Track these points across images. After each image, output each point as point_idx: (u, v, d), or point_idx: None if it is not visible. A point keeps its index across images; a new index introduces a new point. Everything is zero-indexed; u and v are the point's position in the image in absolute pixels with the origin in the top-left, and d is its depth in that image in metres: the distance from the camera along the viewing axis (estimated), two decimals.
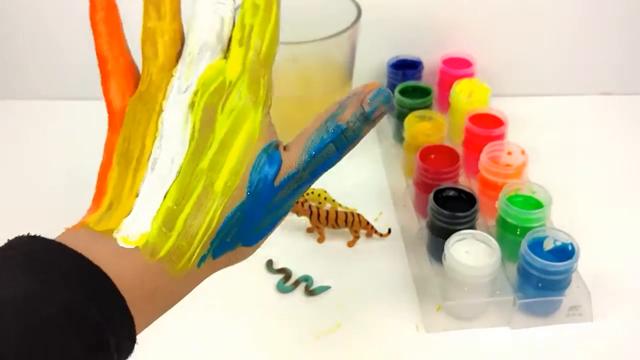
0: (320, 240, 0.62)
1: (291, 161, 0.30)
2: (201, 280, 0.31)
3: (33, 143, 0.78)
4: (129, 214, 0.28)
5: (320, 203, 0.63)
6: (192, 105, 0.29)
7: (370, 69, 0.79)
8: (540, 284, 0.50)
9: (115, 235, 0.28)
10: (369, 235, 0.61)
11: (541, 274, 0.49)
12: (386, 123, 0.74)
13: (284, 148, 0.31)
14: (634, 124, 0.77)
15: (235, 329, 0.53)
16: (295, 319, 0.54)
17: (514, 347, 0.51)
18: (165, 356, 0.51)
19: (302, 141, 0.31)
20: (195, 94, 0.29)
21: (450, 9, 0.77)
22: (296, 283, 0.57)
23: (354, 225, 0.60)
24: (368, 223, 0.60)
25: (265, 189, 0.29)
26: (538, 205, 0.54)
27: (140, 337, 0.28)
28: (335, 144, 0.30)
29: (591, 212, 0.63)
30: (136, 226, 0.28)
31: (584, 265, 0.51)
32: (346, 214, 0.59)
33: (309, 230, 0.63)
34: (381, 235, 0.61)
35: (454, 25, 0.78)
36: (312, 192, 0.62)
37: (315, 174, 0.31)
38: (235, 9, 0.31)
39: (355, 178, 0.69)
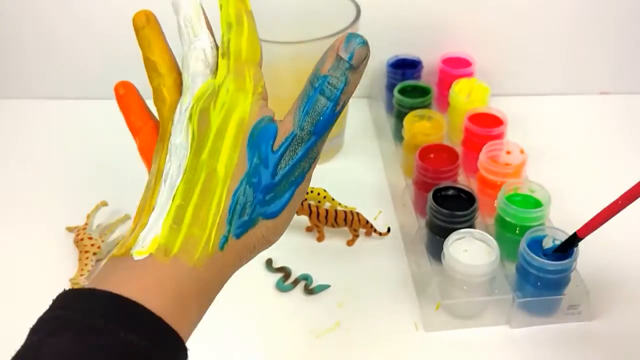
0: (320, 239, 0.62)
1: (287, 125, 0.31)
2: (234, 266, 0.31)
3: (33, 143, 0.78)
4: (145, 227, 0.29)
5: (319, 202, 0.63)
6: (190, 117, 0.32)
7: (370, 68, 0.78)
8: (539, 283, 0.50)
9: (131, 252, 0.28)
10: (368, 234, 0.62)
11: (540, 272, 0.49)
12: (385, 122, 0.74)
13: (280, 121, 0.32)
14: (633, 123, 0.77)
15: (235, 328, 0.53)
16: (294, 318, 0.54)
17: (513, 346, 0.51)
18: None
19: (295, 105, 0.32)
20: (192, 107, 0.32)
21: (449, 8, 0.77)
22: (295, 282, 0.57)
23: (353, 224, 0.60)
24: (367, 222, 0.60)
25: (266, 156, 0.31)
26: (537, 204, 0.55)
27: None
28: (323, 94, 0.31)
29: (590, 211, 0.63)
30: (150, 234, 0.29)
31: (583, 264, 0.51)
32: (345, 212, 0.60)
33: (309, 229, 0.63)
34: (380, 234, 0.61)
35: (453, 25, 0.78)
36: (312, 191, 0.63)
37: (317, 132, 0.31)
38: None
39: (355, 177, 0.69)
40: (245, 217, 0.30)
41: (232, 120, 0.31)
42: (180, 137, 0.32)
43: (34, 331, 0.26)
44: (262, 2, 0.67)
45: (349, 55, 0.31)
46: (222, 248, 0.29)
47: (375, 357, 0.51)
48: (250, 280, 0.57)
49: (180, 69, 0.35)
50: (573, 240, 0.47)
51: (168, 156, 0.32)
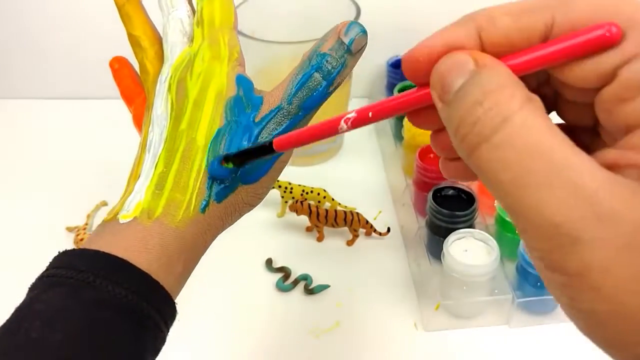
0: (320, 239, 0.62)
1: (274, 98, 0.31)
2: (217, 228, 0.32)
3: (33, 143, 0.78)
4: (130, 194, 0.31)
5: (319, 202, 0.63)
6: (169, 87, 0.33)
7: (370, 68, 0.79)
8: (538, 283, 0.50)
9: (118, 216, 0.30)
10: (368, 234, 0.62)
11: None
12: (385, 122, 0.74)
13: (268, 92, 0.33)
14: None
15: (235, 327, 0.53)
16: (294, 318, 0.54)
17: (513, 345, 0.51)
18: (164, 355, 0.51)
19: (287, 79, 0.32)
20: (171, 78, 0.33)
21: (449, 8, 0.77)
22: (295, 282, 0.57)
23: (353, 224, 0.60)
24: (367, 222, 0.60)
25: (244, 126, 0.31)
26: None
27: None
28: (320, 72, 0.31)
29: None
30: (134, 200, 0.30)
31: None
32: (345, 212, 0.60)
33: (309, 229, 0.63)
34: (380, 234, 0.61)
35: None
36: (312, 191, 0.63)
37: (305, 107, 0.31)
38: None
39: (355, 177, 0.70)
40: (226, 183, 0.31)
41: (210, 91, 0.32)
42: (160, 108, 0.33)
43: (32, 288, 0.28)
44: (262, 2, 0.67)
45: (350, 40, 0.31)
46: (203, 211, 0.30)
47: (375, 357, 0.51)
48: (250, 280, 0.57)
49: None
50: (266, 149, 0.30)
51: (151, 126, 0.33)
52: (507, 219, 0.54)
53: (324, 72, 0.31)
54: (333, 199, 0.64)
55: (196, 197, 0.30)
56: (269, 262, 0.59)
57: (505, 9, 0.20)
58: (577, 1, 0.19)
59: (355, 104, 0.78)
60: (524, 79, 0.20)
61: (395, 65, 0.76)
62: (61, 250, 0.30)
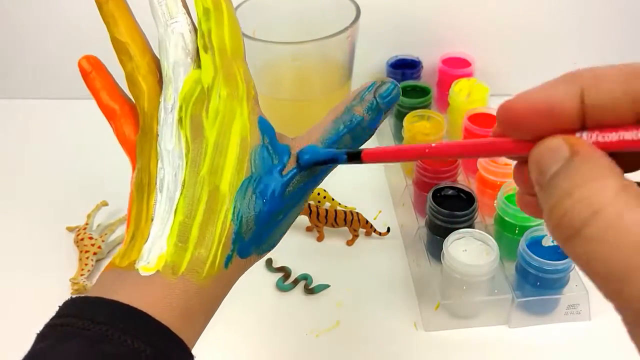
0: (320, 239, 0.62)
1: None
2: (237, 278, 0.31)
3: (33, 143, 0.78)
4: (147, 241, 0.29)
5: (319, 202, 0.63)
6: (180, 121, 0.31)
7: (370, 68, 0.79)
8: (538, 283, 0.50)
9: (136, 266, 0.28)
10: (368, 234, 0.62)
11: (539, 272, 0.49)
12: (385, 122, 0.74)
13: (292, 140, 0.32)
14: None
15: (234, 327, 0.53)
16: (294, 318, 0.54)
17: (512, 345, 0.51)
18: None
19: (318, 133, 0.31)
20: (180, 109, 0.31)
21: (449, 8, 0.77)
22: (295, 281, 0.57)
23: (353, 224, 0.60)
24: (367, 222, 0.60)
25: (273, 182, 0.30)
26: None
27: None
28: (351, 134, 0.31)
29: None
30: (154, 250, 0.29)
31: None
32: (345, 212, 0.60)
33: (308, 229, 0.63)
34: (380, 234, 0.61)
35: (453, 25, 0.78)
36: (312, 191, 0.63)
37: (331, 167, 0.31)
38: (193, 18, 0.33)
39: (355, 177, 0.70)
40: (246, 239, 0.30)
41: (233, 136, 0.30)
42: (171, 143, 0.30)
43: (42, 337, 0.26)
44: (262, 2, 0.67)
45: (385, 102, 0.31)
46: (226, 267, 0.29)
47: (374, 357, 0.51)
48: (250, 280, 0.57)
49: (154, 50, 0.33)
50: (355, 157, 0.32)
51: (160, 162, 0.30)
52: (507, 219, 0.54)
53: (354, 134, 0.31)
54: (333, 199, 0.64)
55: (221, 252, 0.29)
56: (269, 262, 0.59)
57: (614, 71, 0.19)
58: None
59: None
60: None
61: (395, 65, 0.76)
62: (73, 297, 0.28)
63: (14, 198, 0.69)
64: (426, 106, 0.69)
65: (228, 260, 0.29)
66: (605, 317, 0.52)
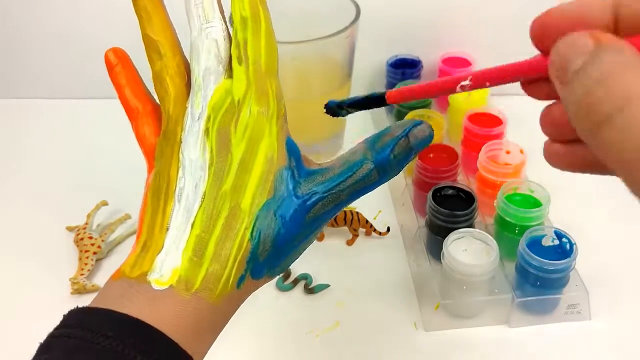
0: (320, 238, 0.62)
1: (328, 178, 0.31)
2: (247, 297, 0.31)
3: (33, 143, 0.78)
4: (160, 252, 0.28)
5: None
6: (207, 131, 0.30)
7: (370, 68, 0.79)
8: (538, 283, 0.50)
9: (149, 278, 0.28)
10: (368, 234, 0.62)
11: (539, 272, 0.49)
12: (385, 123, 0.74)
13: (320, 166, 0.31)
14: None
15: (234, 327, 0.53)
16: (294, 318, 0.54)
17: (512, 345, 0.51)
18: None
19: (342, 164, 0.31)
20: (208, 119, 0.30)
21: (449, 8, 0.77)
22: (295, 281, 0.57)
23: (353, 223, 0.60)
24: (367, 222, 0.60)
25: (296, 206, 0.30)
26: (536, 204, 0.55)
27: None
28: (379, 171, 0.31)
29: (589, 211, 0.63)
30: (168, 263, 0.28)
31: (583, 264, 0.51)
32: (345, 212, 0.60)
33: None
34: (380, 234, 0.61)
35: (453, 25, 0.78)
36: None
37: (355, 198, 0.31)
38: (229, 24, 0.32)
39: None
40: (261, 261, 0.29)
41: (260, 154, 0.29)
42: (195, 153, 0.29)
43: (47, 348, 0.25)
44: None
45: (417, 145, 0.31)
46: (239, 287, 0.29)
47: (374, 357, 0.51)
48: None
49: (186, 54, 0.32)
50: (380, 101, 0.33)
51: (182, 170, 0.29)
52: (507, 219, 0.54)
53: (381, 172, 0.31)
54: None
55: (235, 272, 0.28)
56: None
57: None
58: None
59: None
60: None
61: (395, 65, 0.76)
62: (79, 307, 0.27)
63: (14, 198, 0.69)
64: (426, 106, 0.69)
65: (241, 280, 0.29)
66: (605, 317, 0.52)
